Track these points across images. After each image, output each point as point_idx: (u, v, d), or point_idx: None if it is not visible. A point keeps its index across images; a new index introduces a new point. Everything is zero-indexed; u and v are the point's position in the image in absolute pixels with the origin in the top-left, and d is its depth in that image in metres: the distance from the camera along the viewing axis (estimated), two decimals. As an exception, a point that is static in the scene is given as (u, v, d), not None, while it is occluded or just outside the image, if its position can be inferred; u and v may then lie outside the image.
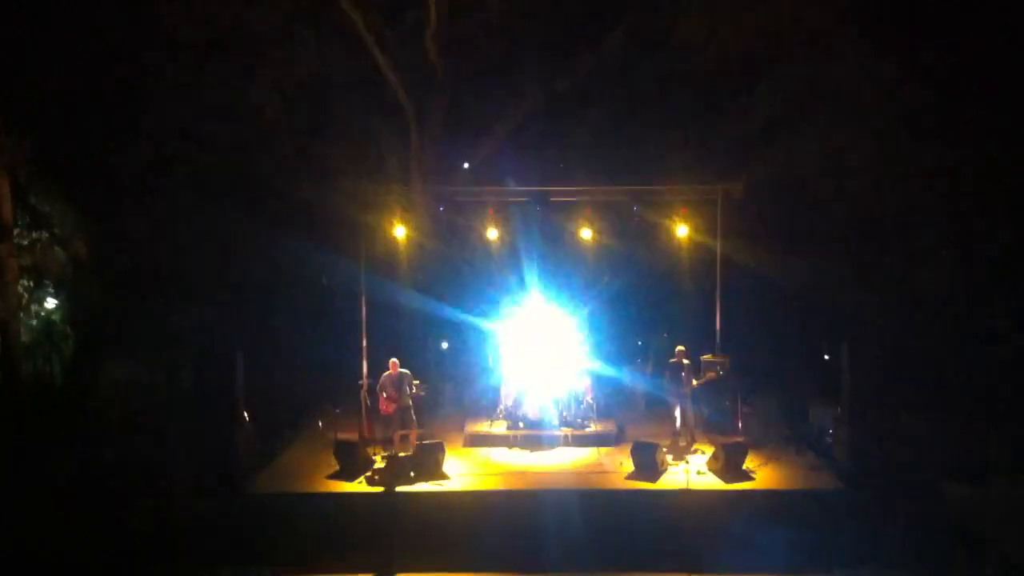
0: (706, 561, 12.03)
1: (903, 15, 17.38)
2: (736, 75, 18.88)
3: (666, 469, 13.71)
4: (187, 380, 15.76)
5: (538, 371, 16.29)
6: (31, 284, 17.74)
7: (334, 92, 19.48)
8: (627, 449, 14.23)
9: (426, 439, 14.31)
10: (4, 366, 16.62)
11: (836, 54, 17.80)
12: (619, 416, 16.67)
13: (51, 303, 18.10)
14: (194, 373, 14.65)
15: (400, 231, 16.50)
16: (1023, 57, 16.60)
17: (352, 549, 12.37)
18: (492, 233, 17.22)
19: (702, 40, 18.20)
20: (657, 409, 16.56)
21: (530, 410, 15.74)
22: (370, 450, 14.59)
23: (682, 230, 16.48)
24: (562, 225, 17.27)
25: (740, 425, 15.17)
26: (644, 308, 19.28)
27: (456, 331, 18.64)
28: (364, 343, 16.04)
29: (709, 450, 14.24)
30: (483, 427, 16.07)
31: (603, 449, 15.17)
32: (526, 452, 15.10)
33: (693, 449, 14.75)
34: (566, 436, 15.43)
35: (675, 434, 14.85)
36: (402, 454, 14.18)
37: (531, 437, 15.44)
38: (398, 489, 13.25)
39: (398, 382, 14.67)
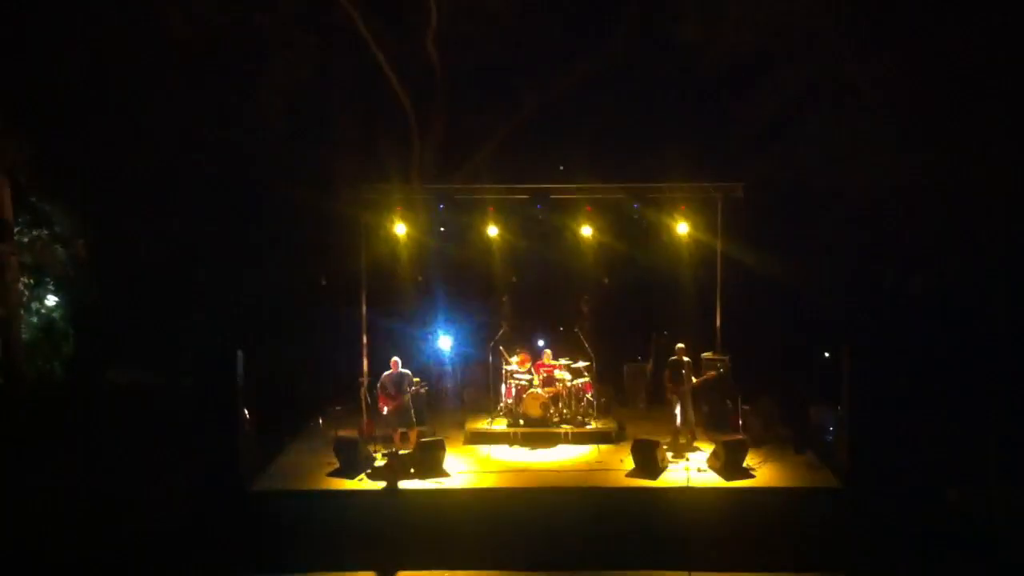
0: (706, 559, 12.06)
1: (902, 16, 17.44)
2: (737, 76, 18.97)
3: (666, 467, 13.72)
4: (188, 380, 15.75)
5: (537, 368, 16.36)
6: (32, 282, 17.76)
7: (334, 92, 19.54)
8: (627, 447, 14.26)
9: (426, 437, 14.32)
10: (5, 364, 16.64)
11: (836, 55, 17.88)
12: (619, 414, 16.68)
13: (52, 300, 18.10)
14: (194, 372, 14.65)
15: (401, 229, 16.50)
16: (1021, 59, 16.66)
17: (353, 547, 12.38)
18: (492, 231, 17.22)
19: (703, 41, 18.30)
20: (657, 407, 16.59)
21: (530, 407, 15.74)
22: (370, 448, 14.60)
23: (682, 228, 16.49)
24: (562, 223, 17.25)
25: (740, 423, 15.17)
26: (645, 306, 19.30)
27: (456, 329, 18.66)
28: (364, 341, 16.05)
29: (709, 448, 14.25)
30: (483, 424, 16.09)
31: (603, 447, 15.19)
32: (526, 450, 15.12)
33: (693, 447, 14.76)
34: (566, 434, 15.44)
35: (675, 432, 14.85)
36: (403, 452, 14.19)
37: (531, 434, 15.45)
38: (399, 487, 13.27)
39: (398, 381, 14.67)
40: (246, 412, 13.84)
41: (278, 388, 16.57)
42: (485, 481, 13.53)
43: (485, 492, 13.18)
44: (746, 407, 15.40)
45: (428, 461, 13.68)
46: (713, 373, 15.39)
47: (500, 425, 15.99)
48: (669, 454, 14.16)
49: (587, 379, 16.30)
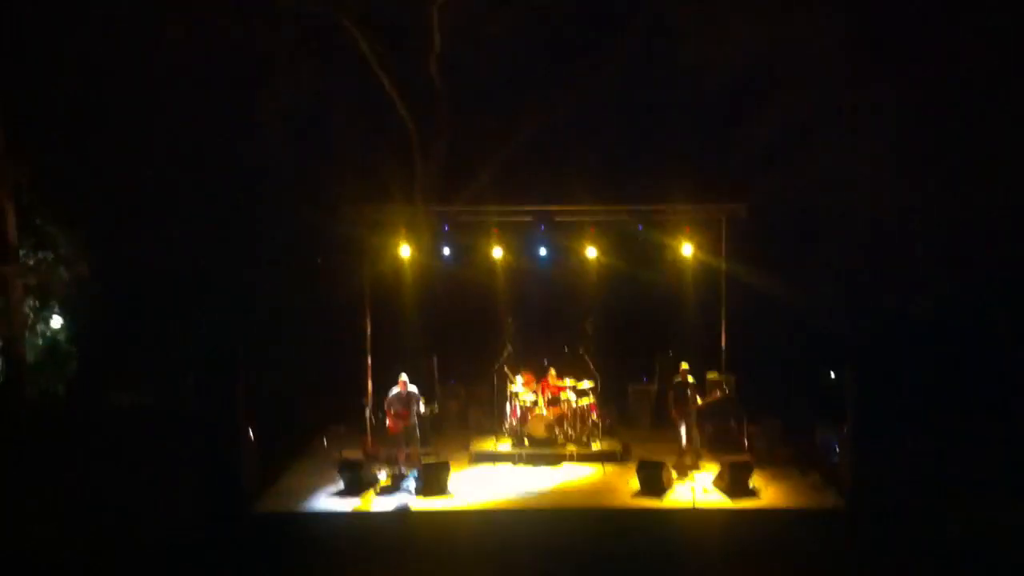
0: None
1: (904, 41, 17.59)
2: (741, 99, 19.09)
3: (672, 487, 13.68)
4: (191, 400, 15.74)
5: (542, 388, 16.34)
6: (36, 303, 17.80)
7: (338, 113, 19.66)
8: (632, 467, 14.21)
9: (431, 457, 14.28)
10: (9, 384, 16.64)
11: (839, 79, 18.01)
12: (624, 434, 16.66)
13: (56, 322, 18.14)
14: (198, 393, 14.64)
15: (405, 250, 16.53)
16: (1020, 81, 16.79)
17: (356, 567, 12.29)
18: (496, 252, 17.26)
19: (707, 63, 18.43)
20: (662, 427, 16.56)
21: (535, 428, 15.71)
22: (374, 468, 14.56)
23: (687, 249, 16.52)
24: (566, 244, 17.28)
25: (745, 444, 15.13)
26: (649, 326, 19.30)
27: (461, 348, 18.66)
28: (368, 361, 16.04)
29: (714, 468, 14.21)
30: (488, 444, 16.06)
31: (608, 467, 15.14)
32: (531, 469, 15.07)
33: (698, 467, 14.72)
34: (571, 454, 15.41)
35: (680, 452, 14.82)
36: (407, 472, 14.15)
37: (536, 455, 15.42)
38: (402, 507, 13.22)
39: (406, 400, 14.65)
40: (250, 432, 13.82)
41: (281, 408, 16.57)
42: (490, 501, 13.47)
43: (490, 512, 13.13)
44: (751, 428, 15.36)
45: (433, 481, 13.63)
46: (718, 393, 15.38)
47: (505, 445, 15.95)
48: (674, 474, 14.11)
49: (592, 399, 16.27)
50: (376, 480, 14.20)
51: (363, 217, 16.40)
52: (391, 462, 14.74)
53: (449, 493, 13.63)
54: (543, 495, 13.87)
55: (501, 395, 16.67)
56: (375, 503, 13.44)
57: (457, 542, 12.59)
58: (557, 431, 15.78)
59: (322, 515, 13.15)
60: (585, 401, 16.18)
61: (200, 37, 17.82)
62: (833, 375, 17.41)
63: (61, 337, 18.14)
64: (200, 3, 17.85)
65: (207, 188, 18.89)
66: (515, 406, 16.15)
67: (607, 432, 16.40)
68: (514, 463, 15.30)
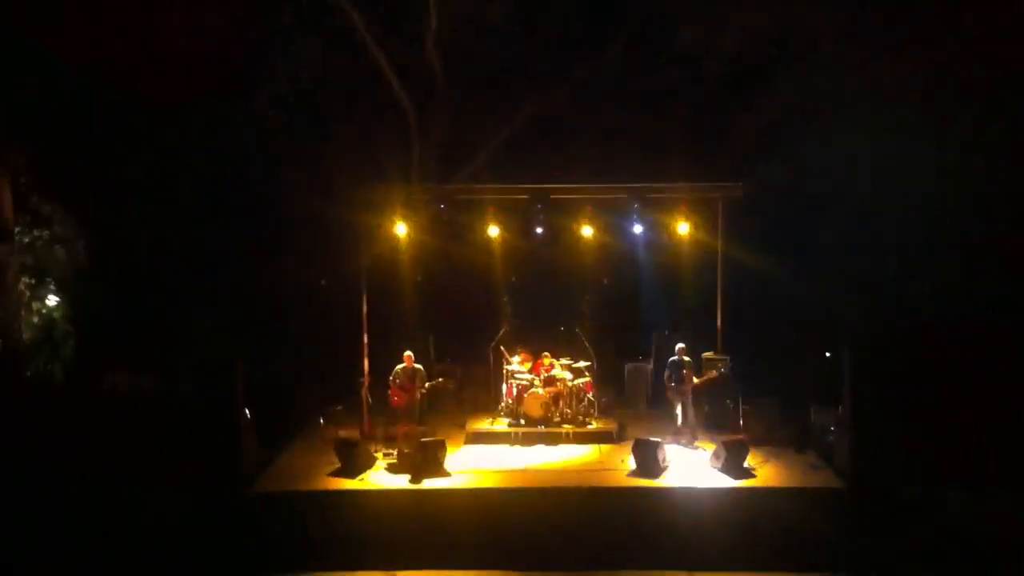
0: (707, 559, 12.07)
1: (902, 22, 17.50)
2: (738, 81, 19.02)
3: (668, 467, 13.72)
4: (188, 381, 15.73)
5: (538, 367, 16.36)
6: (32, 282, 17.75)
7: (335, 93, 19.57)
8: (628, 447, 14.23)
9: (427, 436, 14.31)
10: (5, 365, 16.61)
11: (837, 60, 17.93)
12: (620, 414, 16.69)
13: (52, 301, 18.09)
14: (195, 373, 14.62)
15: (401, 229, 16.47)
16: (1021, 62, 16.70)
17: (354, 547, 12.39)
18: (493, 231, 17.22)
19: (704, 45, 18.36)
20: (658, 407, 16.60)
21: (531, 407, 15.74)
22: (371, 447, 14.60)
23: (683, 228, 16.45)
24: (562, 223, 17.23)
25: (741, 423, 15.17)
26: (646, 306, 19.31)
27: (457, 328, 18.68)
28: (365, 340, 16.05)
29: (710, 448, 14.25)
30: (484, 424, 16.09)
31: (604, 447, 15.18)
32: (527, 449, 15.11)
33: (694, 447, 14.76)
34: (567, 434, 15.44)
35: (676, 432, 14.86)
36: (404, 451, 14.19)
37: (532, 434, 15.45)
38: (399, 486, 13.26)
39: (411, 375, 14.80)
40: (247, 413, 13.84)
41: (279, 389, 16.59)
42: (486, 481, 13.50)
43: (486, 492, 13.13)
44: (747, 407, 15.39)
45: (429, 461, 13.65)
46: (714, 373, 15.39)
47: (501, 425, 15.98)
48: (671, 448, 14.16)
49: (588, 379, 16.29)
50: (373, 459, 14.23)
51: (359, 197, 16.33)
52: (388, 441, 14.77)
53: (445, 472, 13.65)
54: (539, 474, 13.90)
55: (497, 374, 16.67)
56: (372, 483, 13.44)
57: (453, 522, 12.60)
58: (553, 411, 15.78)
59: (320, 495, 13.15)
60: (581, 380, 16.20)
61: (197, 16, 17.68)
62: (829, 355, 17.44)
63: (57, 316, 18.09)
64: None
65: (204, 169, 18.80)
66: (511, 385, 16.17)
67: (603, 412, 16.43)
68: (510, 443, 15.32)
